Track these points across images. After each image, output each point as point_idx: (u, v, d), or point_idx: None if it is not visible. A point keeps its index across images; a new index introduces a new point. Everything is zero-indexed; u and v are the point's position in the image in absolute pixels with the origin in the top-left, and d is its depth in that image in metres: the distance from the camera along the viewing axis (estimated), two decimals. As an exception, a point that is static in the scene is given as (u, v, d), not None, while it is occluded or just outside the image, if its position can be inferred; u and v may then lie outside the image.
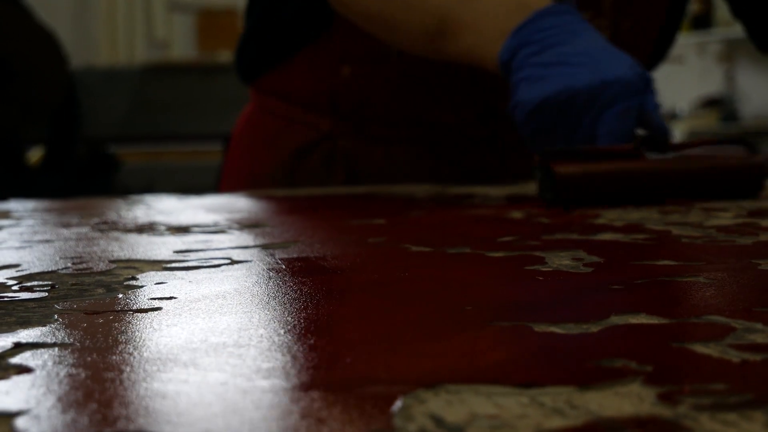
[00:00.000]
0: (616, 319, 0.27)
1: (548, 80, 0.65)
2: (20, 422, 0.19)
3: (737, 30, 2.98)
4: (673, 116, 3.49)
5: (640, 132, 0.65)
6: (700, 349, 0.23)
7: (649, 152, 0.63)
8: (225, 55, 4.16)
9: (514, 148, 0.89)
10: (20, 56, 2.27)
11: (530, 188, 0.75)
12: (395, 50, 0.84)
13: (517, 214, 0.56)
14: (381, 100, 0.87)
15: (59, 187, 2.39)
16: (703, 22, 3.36)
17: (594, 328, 0.26)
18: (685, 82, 3.66)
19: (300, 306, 0.30)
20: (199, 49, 4.24)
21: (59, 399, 0.20)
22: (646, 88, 0.65)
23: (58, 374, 0.22)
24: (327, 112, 0.90)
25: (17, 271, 0.39)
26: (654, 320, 0.27)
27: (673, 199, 0.61)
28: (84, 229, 0.55)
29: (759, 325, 0.26)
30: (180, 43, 4.26)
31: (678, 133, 3.12)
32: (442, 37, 0.73)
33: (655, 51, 0.93)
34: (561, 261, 0.37)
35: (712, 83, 3.53)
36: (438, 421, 0.19)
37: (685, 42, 3.44)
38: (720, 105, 3.42)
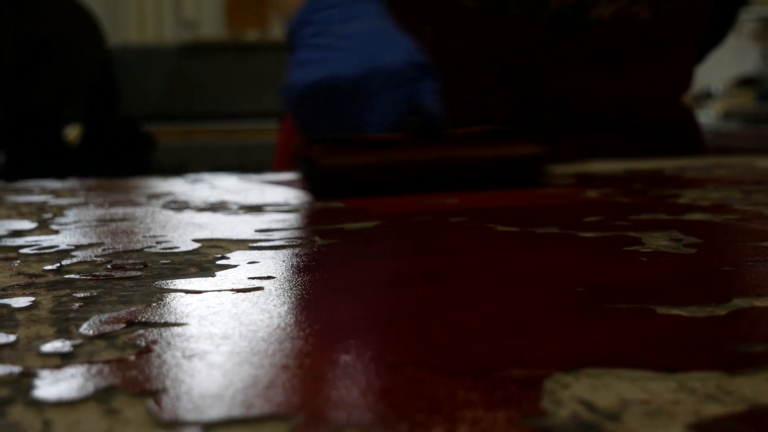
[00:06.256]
0: (740, 302, 0.26)
1: (315, 66, 0.64)
2: (153, 403, 0.18)
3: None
4: (708, 96, 3.44)
5: (413, 120, 0.61)
6: (838, 333, 0.23)
7: (423, 140, 0.60)
8: (254, 34, 4.16)
9: (560, 131, 0.86)
10: (60, 35, 2.28)
11: (592, 168, 0.74)
12: (430, 33, 0.82)
13: (592, 194, 0.55)
14: None
15: (97, 165, 2.40)
16: (738, 0, 3.31)
17: (720, 311, 0.25)
18: (719, 61, 3.61)
19: (408, 288, 0.29)
20: (227, 28, 4.22)
21: (191, 377, 0.20)
22: (419, 75, 0.63)
23: (183, 352, 0.22)
24: None
25: (103, 250, 0.38)
26: (779, 303, 0.26)
27: (447, 190, 0.58)
28: (155, 208, 0.54)
29: None
30: (209, 22, 4.25)
31: (713, 113, 3.07)
32: None
33: (709, 34, 0.91)
34: (659, 242, 0.36)
35: (747, 62, 3.47)
36: (589, 406, 0.18)
37: (720, 21, 3.39)
38: (756, 84, 3.36)
